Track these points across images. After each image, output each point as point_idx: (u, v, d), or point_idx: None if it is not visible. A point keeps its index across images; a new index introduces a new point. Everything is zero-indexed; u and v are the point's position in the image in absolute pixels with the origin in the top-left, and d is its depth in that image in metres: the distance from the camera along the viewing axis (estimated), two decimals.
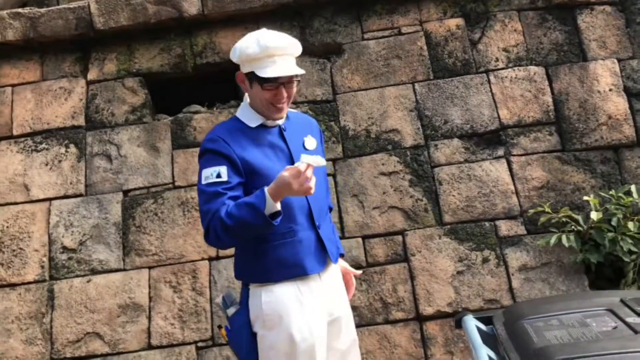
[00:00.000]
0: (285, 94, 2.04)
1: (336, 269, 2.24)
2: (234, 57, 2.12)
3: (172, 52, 4.14)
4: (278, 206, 1.89)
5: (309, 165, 1.87)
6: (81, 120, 4.01)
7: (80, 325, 3.54)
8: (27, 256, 3.70)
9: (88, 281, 3.63)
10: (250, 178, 2.00)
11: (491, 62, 4.01)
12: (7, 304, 3.60)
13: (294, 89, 2.10)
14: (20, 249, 3.71)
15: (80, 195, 3.83)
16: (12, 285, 3.65)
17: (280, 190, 1.88)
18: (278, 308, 2.00)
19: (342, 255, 2.35)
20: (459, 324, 2.08)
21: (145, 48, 4.17)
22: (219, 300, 2.18)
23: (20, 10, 4.17)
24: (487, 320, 2.07)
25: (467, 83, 3.95)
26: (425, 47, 4.05)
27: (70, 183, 3.85)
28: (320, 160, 1.92)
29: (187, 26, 4.17)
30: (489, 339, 1.94)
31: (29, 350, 3.50)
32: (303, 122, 2.26)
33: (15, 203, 3.83)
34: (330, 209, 2.43)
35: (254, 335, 2.04)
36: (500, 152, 3.80)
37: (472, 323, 1.99)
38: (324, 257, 2.11)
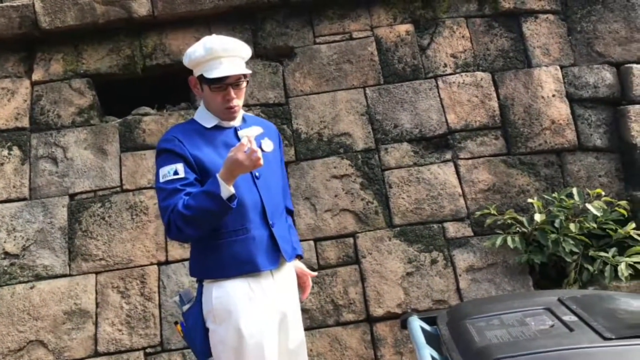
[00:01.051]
0: (233, 95, 2.08)
1: (290, 269, 2.26)
2: (185, 62, 2.17)
3: (121, 53, 4.07)
4: (232, 189, 1.93)
5: (250, 138, 1.91)
6: (25, 122, 3.89)
7: (23, 333, 3.43)
8: None
9: (31, 287, 3.52)
10: (204, 177, 2.03)
11: (440, 67, 4.09)
12: None
13: (243, 90, 2.14)
14: None
15: (24, 199, 3.71)
16: None
17: (231, 169, 1.92)
18: (228, 303, 2.03)
19: (300, 257, 2.38)
20: (404, 325, 2.11)
21: (93, 49, 4.08)
22: (176, 298, 2.20)
23: None
24: (431, 321, 2.11)
25: (417, 88, 4.02)
26: (375, 52, 4.10)
27: (14, 186, 3.73)
28: (257, 130, 1.97)
29: (136, 27, 4.10)
30: (433, 339, 1.97)
31: None
32: (260, 125, 2.24)
33: None
34: (291, 212, 2.47)
35: (207, 331, 2.08)
36: (448, 155, 3.88)
37: (416, 324, 2.02)
38: (277, 255, 2.14)
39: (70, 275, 3.56)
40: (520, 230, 3.59)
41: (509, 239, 3.50)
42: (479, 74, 4.06)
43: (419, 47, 4.13)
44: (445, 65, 4.09)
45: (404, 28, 4.17)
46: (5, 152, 3.80)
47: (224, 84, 2.06)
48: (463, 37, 4.15)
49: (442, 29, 4.18)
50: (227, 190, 1.92)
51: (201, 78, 2.09)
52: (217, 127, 2.14)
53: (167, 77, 4.10)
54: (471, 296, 3.57)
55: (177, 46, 4.09)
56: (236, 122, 2.18)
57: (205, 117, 2.16)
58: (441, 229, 3.71)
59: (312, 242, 3.68)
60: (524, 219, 3.62)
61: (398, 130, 3.91)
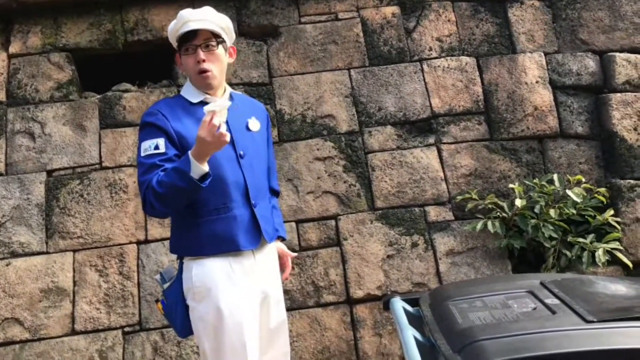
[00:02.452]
0: (202, 56, 2.05)
1: (272, 250, 2.25)
2: (171, 40, 2.20)
3: (101, 27, 3.98)
4: (205, 167, 1.91)
5: (212, 113, 1.86)
6: (2, 96, 3.80)
7: None
8: None
9: (7, 264, 3.46)
10: (186, 152, 1.99)
11: (425, 51, 4.08)
12: None
13: (217, 55, 2.09)
14: None
15: (0, 174, 3.63)
16: None
17: (200, 148, 1.89)
18: (207, 281, 2.02)
19: (283, 239, 2.38)
20: (386, 306, 2.11)
21: (73, 22, 3.98)
22: (157, 276, 2.20)
23: None
24: (414, 302, 2.12)
25: (402, 71, 4.01)
26: (361, 34, 4.07)
27: None
28: (223, 102, 1.93)
29: (118, 1, 4.01)
30: (416, 321, 1.98)
31: None
32: (249, 104, 2.28)
33: None
34: (277, 193, 2.47)
35: (187, 308, 2.07)
36: (431, 140, 3.88)
37: (399, 305, 2.02)
38: (258, 235, 2.12)
39: (47, 252, 3.51)
40: (500, 215, 3.61)
41: (489, 223, 3.52)
42: (464, 59, 4.05)
43: (404, 30, 4.11)
44: (431, 49, 4.08)
45: (390, 10, 4.14)
46: None
47: (192, 45, 2.05)
48: (449, 21, 4.13)
49: (429, 12, 4.16)
50: (198, 168, 1.89)
51: (179, 50, 2.11)
52: (202, 103, 2.10)
53: (148, 54, 4.03)
54: (451, 279, 3.60)
55: (159, 22, 4.01)
56: (223, 99, 2.13)
57: (190, 92, 2.14)
58: (422, 212, 3.72)
59: (293, 224, 3.67)
60: (504, 204, 3.64)
61: (382, 113, 3.90)
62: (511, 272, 3.65)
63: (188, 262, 2.09)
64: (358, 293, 3.54)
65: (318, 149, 3.81)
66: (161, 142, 1.99)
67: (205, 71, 2.06)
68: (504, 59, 4.06)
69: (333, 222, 3.69)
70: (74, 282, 3.46)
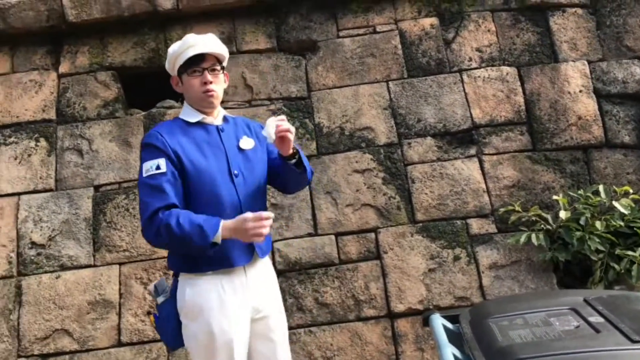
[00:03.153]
0: (210, 78, 2.15)
1: (265, 265, 2.28)
2: (167, 66, 2.27)
3: (146, 46, 4.10)
4: (219, 239, 1.99)
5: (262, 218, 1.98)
6: (52, 114, 3.95)
7: (49, 322, 3.49)
8: None
9: (57, 277, 3.58)
10: (185, 172, 2.09)
11: (464, 61, 4.05)
12: None
13: (220, 79, 2.22)
14: None
15: (50, 190, 3.77)
16: None
17: (234, 229, 1.98)
18: (199, 301, 2.08)
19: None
20: (426, 323, 2.09)
21: (118, 42, 4.12)
22: (151, 287, 2.24)
23: None
24: (454, 319, 2.09)
25: (441, 82, 3.98)
26: (399, 46, 4.07)
27: (40, 178, 3.79)
28: (279, 120, 2.06)
29: (161, 20, 4.13)
30: (455, 338, 1.95)
31: None
32: (242, 125, 2.32)
33: None
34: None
35: (180, 323, 2.14)
36: (473, 151, 3.84)
37: (438, 321, 2.00)
38: (250, 250, 2.16)
39: (94, 265, 3.61)
40: (544, 228, 3.53)
41: (533, 236, 3.45)
42: (505, 69, 4.00)
43: (443, 41, 4.09)
44: (470, 59, 4.04)
45: (429, 21, 4.13)
46: (33, 144, 3.86)
47: (200, 67, 2.15)
48: (489, 31, 4.09)
49: (468, 22, 4.13)
50: (218, 237, 1.98)
51: (180, 71, 2.19)
52: (200, 124, 2.19)
53: None
54: (494, 293, 3.53)
55: None
56: (218, 121, 2.24)
57: (188, 113, 2.22)
58: (464, 225, 3.67)
59: (333, 237, 3.67)
60: (548, 216, 3.57)
61: (421, 125, 3.88)
62: (556, 285, 3.56)
63: (183, 281, 2.14)
64: (399, 307, 3.52)
65: (357, 162, 3.81)
66: (162, 162, 2.05)
67: (211, 91, 2.16)
68: (546, 68, 3.99)
69: (373, 235, 3.68)
70: (120, 295, 3.55)
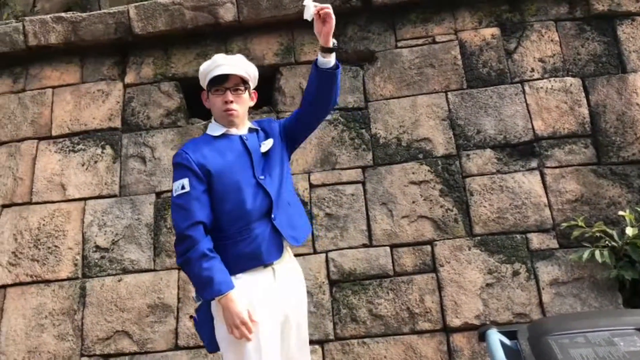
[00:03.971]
0: (231, 98, 2.27)
1: (292, 265, 2.35)
2: (201, 81, 2.42)
3: (207, 57, 4.18)
4: (211, 297, 2.13)
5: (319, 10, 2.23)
6: (118, 123, 4.10)
7: (110, 323, 3.61)
8: (62, 254, 3.79)
9: (119, 280, 3.70)
10: (211, 180, 2.21)
11: (526, 72, 3.95)
12: (41, 300, 3.69)
13: (243, 98, 2.33)
14: (55, 246, 3.81)
15: (115, 195, 3.91)
16: (47, 282, 3.74)
17: (228, 312, 2.08)
18: None
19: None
20: (482, 338, 2.05)
21: (181, 53, 4.25)
22: (193, 294, 2.35)
23: (62, 14, 4.30)
24: (511, 335, 2.04)
25: (502, 93, 3.91)
26: (459, 56, 4.02)
27: (105, 183, 3.94)
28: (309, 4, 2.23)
29: (222, 32, 4.23)
30: (512, 354, 1.90)
31: (61, 346, 3.59)
32: (261, 129, 2.43)
33: (52, 202, 3.93)
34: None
35: (214, 326, 2.22)
36: (534, 163, 3.74)
37: (495, 337, 1.95)
38: (280, 245, 2.25)
39: (154, 270, 3.71)
40: (609, 244, 3.39)
41: (597, 252, 3.32)
42: (569, 79, 3.88)
43: (505, 51, 4.01)
44: (533, 70, 3.95)
45: (490, 31, 4.06)
46: (99, 151, 4.02)
47: (223, 87, 2.27)
48: (552, 41, 3.99)
49: (530, 32, 4.04)
50: (215, 298, 2.12)
51: (207, 88, 2.33)
52: (224, 136, 2.31)
53: None
54: (554, 311, 3.41)
55: (260, 51, 4.18)
56: (242, 131, 2.35)
57: (213, 128, 2.35)
58: (524, 239, 3.57)
59: (388, 248, 3.65)
60: (614, 233, 3.42)
61: (481, 136, 3.81)
62: (622, 305, 3.41)
63: None
64: (455, 322, 3.45)
65: (413, 173, 3.78)
66: (186, 182, 2.18)
67: (230, 110, 2.28)
68: (613, 79, 3.85)
69: (429, 248, 3.63)
70: (179, 299, 3.63)
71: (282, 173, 2.35)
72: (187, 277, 3.60)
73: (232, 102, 2.27)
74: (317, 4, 2.21)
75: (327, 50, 2.29)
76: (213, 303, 2.21)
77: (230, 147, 2.29)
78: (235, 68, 2.29)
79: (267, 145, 2.36)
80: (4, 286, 3.75)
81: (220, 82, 2.27)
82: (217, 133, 2.31)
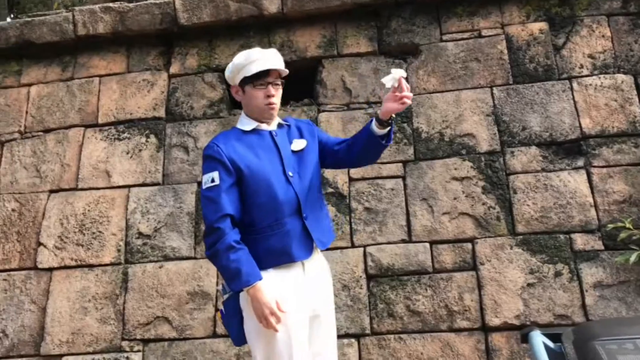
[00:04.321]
0: (273, 92, 2.30)
1: (321, 260, 2.37)
2: (228, 75, 2.41)
3: (251, 48, 4.22)
4: (239, 288, 2.14)
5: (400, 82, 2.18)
6: (162, 112, 4.17)
7: (151, 309, 3.68)
8: (105, 239, 3.88)
9: (160, 267, 3.77)
10: (242, 174, 2.23)
11: (575, 68, 3.85)
12: (85, 284, 3.79)
13: (280, 92, 2.36)
14: (100, 232, 3.90)
15: (158, 184, 3.98)
16: (91, 266, 3.84)
17: (257, 302, 2.10)
18: None
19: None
20: (525, 339, 2.01)
21: (225, 44, 4.28)
22: (219, 287, 2.38)
23: (110, 4, 4.38)
24: (555, 337, 1.99)
25: (549, 89, 3.81)
26: (505, 51, 3.94)
27: (149, 172, 4.01)
28: (397, 73, 2.16)
29: (266, 24, 4.25)
30: (556, 358, 1.86)
31: (103, 329, 3.68)
32: (294, 127, 2.45)
33: (97, 188, 4.03)
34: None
35: (242, 319, 2.24)
36: (580, 162, 3.64)
37: (539, 339, 1.91)
38: (310, 244, 2.26)
39: (195, 258, 3.77)
40: None
41: None
42: (620, 77, 3.76)
43: (553, 47, 3.91)
44: (582, 66, 3.84)
45: (538, 26, 3.97)
46: (143, 140, 4.09)
47: (265, 81, 2.28)
48: (603, 36, 3.87)
49: (580, 27, 3.93)
50: (241, 286, 2.12)
51: (243, 82, 2.31)
52: (254, 131, 2.34)
53: (291, 73, 4.19)
54: (598, 314, 3.33)
55: (303, 43, 4.18)
56: (272, 126, 2.37)
57: (244, 122, 2.37)
58: (568, 240, 3.49)
59: (427, 245, 3.61)
60: None
61: (526, 133, 3.73)
62: None
63: None
64: (494, 321, 3.40)
65: (456, 169, 3.73)
66: (216, 175, 2.20)
67: (272, 104, 2.30)
68: None
69: (469, 245, 3.58)
70: (217, 288, 3.68)
71: (312, 175, 2.36)
72: None
73: (273, 95, 2.30)
74: (403, 77, 2.16)
75: (383, 123, 2.26)
76: (241, 296, 2.23)
77: (261, 142, 2.32)
78: (274, 62, 2.30)
79: (299, 144, 2.38)
80: (51, 269, 3.86)
81: (263, 76, 2.28)
82: (248, 128, 2.33)
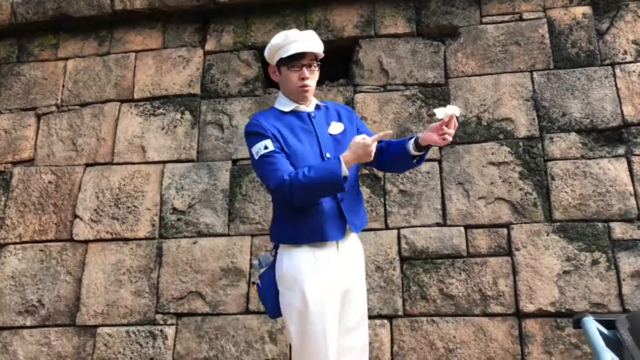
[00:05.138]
0: (307, 74, 2.31)
1: (356, 243, 2.41)
2: (266, 54, 2.41)
3: (286, 27, 4.20)
4: (347, 171, 2.12)
5: (451, 118, 2.17)
6: (197, 89, 4.17)
7: (185, 283, 3.72)
8: (140, 214, 3.92)
9: (194, 243, 3.80)
10: (282, 151, 2.25)
11: (618, 54, 3.77)
12: (120, 257, 3.84)
13: (316, 74, 2.38)
14: (135, 206, 3.93)
15: (192, 160, 3.99)
16: (126, 240, 3.88)
17: (352, 156, 2.11)
18: (294, 271, 2.23)
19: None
20: (577, 325, 1.99)
21: (261, 22, 4.26)
22: (255, 261, 2.47)
23: None
24: (608, 324, 1.97)
25: (590, 75, 3.75)
26: (547, 35, 3.87)
27: (184, 148, 4.02)
28: (451, 110, 2.16)
29: (303, 2, 4.21)
30: (612, 344, 1.84)
31: (137, 302, 3.73)
32: (332, 110, 2.48)
33: (132, 163, 4.05)
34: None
35: (277, 292, 2.30)
36: (621, 150, 3.58)
37: (593, 325, 1.89)
38: (343, 227, 2.29)
39: (228, 235, 3.79)
40: None
41: None
42: None
43: (596, 32, 3.84)
44: (625, 53, 3.76)
45: (581, 10, 3.89)
46: (179, 116, 4.10)
47: (299, 63, 2.30)
48: None
49: (625, 12, 3.84)
50: (344, 171, 2.11)
51: (279, 63, 2.34)
52: (293, 112, 2.36)
53: (327, 53, 4.16)
54: (635, 304, 3.30)
55: (340, 22, 4.15)
56: (310, 108, 2.40)
57: (283, 103, 2.39)
58: (606, 228, 3.45)
59: (462, 229, 3.59)
60: None
61: (566, 119, 3.68)
62: None
63: (281, 252, 2.31)
64: (529, 307, 3.38)
65: (493, 154, 3.69)
66: (268, 142, 2.22)
67: (306, 86, 2.33)
68: None
69: (505, 231, 3.55)
70: (251, 265, 3.70)
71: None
72: (261, 243, 3.68)
73: (308, 78, 2.32)
74: (457, 115, 2.16)
75: (420, 148, 2.29)
76: (277, 269, 2.29)
77: (300, 124, 2.34)
78: (311, 45, 2.31)
79: (337, 127, 2.41)
80: (87, 241, 3.91)
81: (298, 58, 2.29)
82: (287, 109, 2.36)
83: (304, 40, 2.30)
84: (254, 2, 4.23)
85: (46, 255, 3.92)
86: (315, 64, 2.36)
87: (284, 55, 2.29)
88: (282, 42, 2.31)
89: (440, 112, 2.16)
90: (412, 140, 2.30)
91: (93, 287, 3.79)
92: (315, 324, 2.17)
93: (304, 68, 2.31)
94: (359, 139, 2.12)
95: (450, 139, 2.19)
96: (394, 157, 2.40)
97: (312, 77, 2.35)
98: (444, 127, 2.18)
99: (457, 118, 2.20)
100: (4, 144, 4.25)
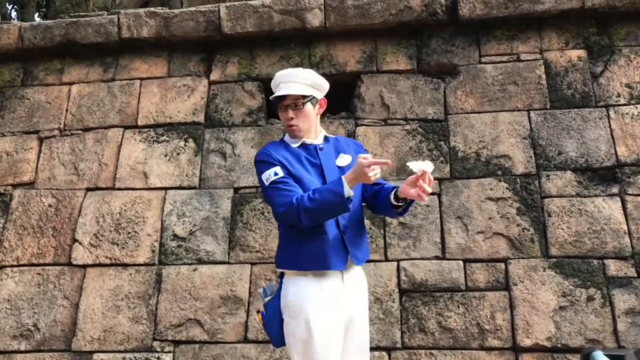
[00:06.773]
0: (291, 115, 2.37)
1: (360, 274, 2.43)
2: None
3: (290, 60, 4.30)
4: (351, 192, 2.15)
5: (424, 173, 2.15)
6: (201, 118, 4.23)
7: (183, 310, 3.72)
8: (140, 239, 3.93)
9: (194, 270, 3.81)
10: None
11: (612, 97, 3.91)
12: (118, 282, 3.83)
13: (304, 111, 2.39)
14: (135, 232, 3.94)
15: (194, 187, 4.03)
16: (125, 265, 3.88)
17: (354, 176, 2.14)
18: (300, 300, 2.24)
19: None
20: (586, 359, 2.04)
21: (266, 55, 4.35)
22: (260, 290, 2.45)
23: (156, 9, 4.47)
24: (616, 359, 2.02)
25: (585, 116, 3.87)
26: (543, 76, 4.00)
27: (186, 175, 4.06)
28: (424, 166, 2.16)
29: (307, 37, 4.32)
30: None
31: (135, 328, 3.71)
32: (342, 144, 2.53)
33: (134, 189, 4.08)
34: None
35: (282, 321, 2.30)
36: (615, 189, 3.69)
37: (603, 359, 1.95)
38: (345, 257, 2.30)
39: (228, 262, 3.81)
40: None
41: None
42: None
43: (590, 74, 3.98)
44: (619, 95, 3.90)
45: (576, 53, 4.04)
46: (182, 144, 4.15)
47: (282, 105, 2.38)
48: None
49: (618, 57, 4.00)
50: (348, 191, 2.13)
51: (273, 103, 2.43)
52: (301, 145, 2.43)
53: (330, 86, 4.26)
54: (630, 340, 3.35)
55: (343, 57, 4.26)
56: (318, 140, 2.46)
57: (290, 139, 2.46)
58: (601, 265, 3.53)
59: (461, 262, 3.65)
60: None
61: (562, 158, 3.78)
62: None
63: (287, 281, 2.33)
64: (525, 341, 3.42)
65: (491, 189, 3.78)
66: (278, 169, 2.28)
67: (292, 125, 2.39)
68: None
69: (502, 265, 3.61)
70: (250, 293, 3.72)
71: (358, 193, 2.41)
72: (260, 271, 3.70)
73: (292, 118, 2.37)
74: (429, 171, 2.16)
75: (399, 199, 2.33)
76: (282, 299, 2.29)
77: (306, 155, 2.40)
78: (292, 88, 2.36)
79: (345, 159, 2.45)
80: (85, 266, 3.90)
81: (281, 99, 2.38)
82: (294, 145, 2.42)
83: (288, 82, 2.38)
84: (259, 35, 4.33)
85: (43, 279, 3.90)
86: (301, 103, 2.37)
87: (271, 98, 2.40)
88: (273, 84, 2.44)
89: (414, 166, 2.17)
90: (393, 191, 2.34)
91: (90, 312, 3.77)
92: (319, 354, 2.19)
93: (289, 109, 2.37)
94: (360, 158, 2.16)
95: (425, 197, 2.16)
96: (380, 203, 2.44)
97: (299, 116, 2.38)
98: (420, 182, 2.18)
99: (430, 174, 2.17)
100: (5, 166, 4.26)
